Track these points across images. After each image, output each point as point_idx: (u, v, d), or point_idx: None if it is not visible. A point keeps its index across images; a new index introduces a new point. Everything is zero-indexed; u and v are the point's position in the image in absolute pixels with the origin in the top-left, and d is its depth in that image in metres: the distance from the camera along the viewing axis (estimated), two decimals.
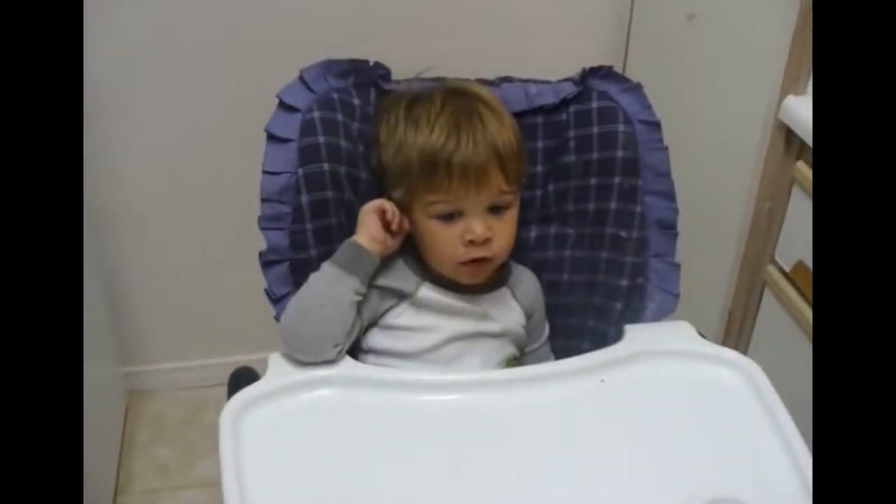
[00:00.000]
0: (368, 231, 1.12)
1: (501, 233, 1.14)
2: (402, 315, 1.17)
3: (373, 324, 1.17)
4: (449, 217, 1.13)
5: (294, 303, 1.09)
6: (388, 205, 1.14)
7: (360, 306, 1.11)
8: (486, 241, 1.13)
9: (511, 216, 1.16)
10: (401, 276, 1.18)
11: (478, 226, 1.12)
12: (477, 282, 1.18)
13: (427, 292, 1.17)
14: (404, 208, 1.15)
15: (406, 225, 1.16)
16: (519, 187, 1.18)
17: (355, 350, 1.15)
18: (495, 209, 1.14)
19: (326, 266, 1.10)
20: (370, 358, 1.17)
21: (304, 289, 1.09)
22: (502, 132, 1.13)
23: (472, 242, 1.12)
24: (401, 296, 1.17)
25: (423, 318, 1.17)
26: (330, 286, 1.09)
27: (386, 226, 1.14)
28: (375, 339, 1.17)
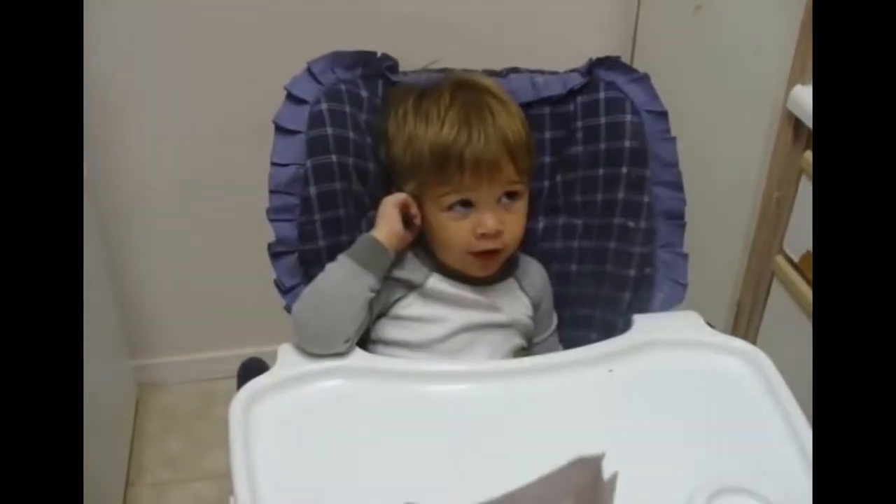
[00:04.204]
0: (389, 225, 1.13)
1: (512, 224, 1.15)
2: (411, 306, 1.17)
3: (382, 314, 1.17)
4: (460, 209, 1.13)
5: (309, 294, 1.09)
6: (410, 199, 1.15)
7: (371, 301, 1.12)
8: (498, 234, 1.13)
9: (521, 206, 1.17)
10: (410, 267, 1.18)
11: (489, 219, 1.12)
12: (487, 274, 1.19)
13: (436, 283, 1.18)
14: (415, 201, 1.16)
15: (419, 220, 1.16)
16: (528, 178, 1.19)
17: (364, 340, 1.16)
18: (506, 197, 1.14)
19: (344, 260, 1.10)
20: (379, 348, 1.17)
21: (320, 280, 1.10)
22: (512, 124, 1.14)
23: (483, 235, 1.13)
24: (410, 286, 1.17)
25: (431, 309, 1.17)
26: (346, 282, 1.09)
27: (406, 220, 1.14)
28: (384, 329, 1.17)
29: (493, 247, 1.14)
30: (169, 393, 2.20)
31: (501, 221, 1.13)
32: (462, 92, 1.16)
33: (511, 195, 1.15)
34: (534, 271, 1.26)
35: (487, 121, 1.12)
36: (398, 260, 1.17)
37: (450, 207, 1.13)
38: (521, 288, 1.23)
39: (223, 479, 0.93)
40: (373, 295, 1.11)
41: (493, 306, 1.20)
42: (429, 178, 1.13)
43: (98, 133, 1.80)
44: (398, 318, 1.17)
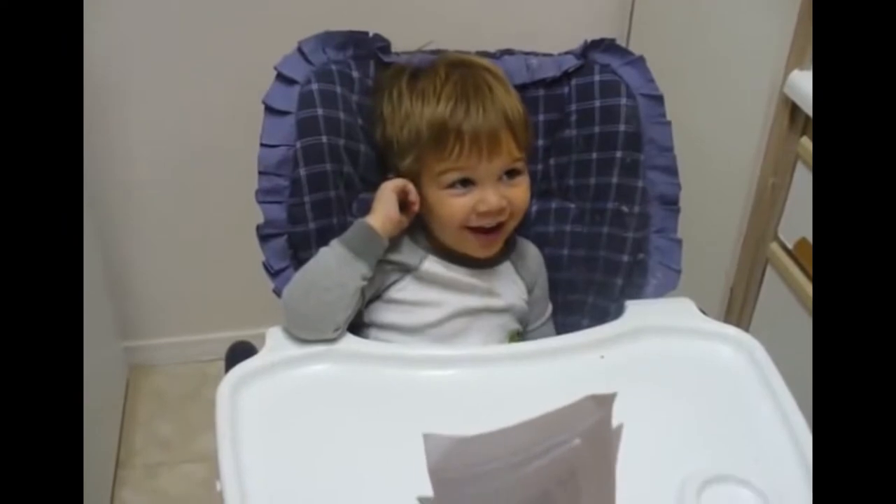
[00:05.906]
0: (385, 210, 1.11)
1: (516, 197, 1.14)
2: (406, 289, 1.16)
3: (376, 297, 1.16)
4: (461, 186, 1.12)
5: (299, 280, 1.08)
6: (410, 185, 1.13)
7: (363, 289, 1.11)
8: (500, 211, 1.13)
9: (524, 180, 1.16)
10: (405, 250, 1.17)
11: (491, 195, 1.11)
12: (488, 255, 1.17)
13: (431, 265, 1.17)
14: (412, 180, 1.14)
15: (417, 207, 1.15)
16: (528, 156, 1.17)
17: (356, 324, 1.14)
18: (508, 174, 1.13)
19: (336, 246, 1.09)
20: (372, 331, 1.16)
21: (312, 266, 1.09)
22: (509, 100, 1.13)
23: (485, 213, 1.12)
24: (405, 269, 1.16)
25: (427, 293, 1.16)
26: (338, 269, 1.08)
27: (402, 205, 1.13)
28: (378, 312, 1.16)
29: (492, 223, 1.13)
30: (160, 375, 2.20)
31: (504, 196, 1.12)
32: (458, 69, 1.15)
33: (512, 173, 1.14)
34: (530, 254, 1.25)
35: (486, 95, 1.11)
36: (393, 243, 1.15)
37: (450, 185, 1.12)
38: (517, 271, 1.23)
39: (214, 461, 0.92)
40: (364, 283, 1.10)
41: (490, 290, 1.19)
42: (427, 155, 1.12)
43: (89, 117, 1.79)
44: (392, 301, 1.16)
